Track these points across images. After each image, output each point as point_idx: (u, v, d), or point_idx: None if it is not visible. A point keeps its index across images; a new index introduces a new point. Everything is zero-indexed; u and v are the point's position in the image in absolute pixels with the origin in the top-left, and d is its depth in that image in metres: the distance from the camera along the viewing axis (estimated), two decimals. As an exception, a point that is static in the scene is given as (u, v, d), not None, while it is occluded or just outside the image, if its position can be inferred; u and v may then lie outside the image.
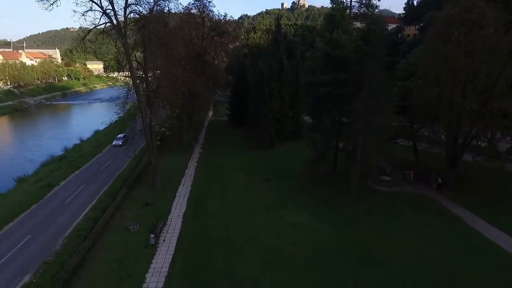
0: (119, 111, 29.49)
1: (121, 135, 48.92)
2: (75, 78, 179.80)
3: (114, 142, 48.03)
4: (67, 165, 37.55)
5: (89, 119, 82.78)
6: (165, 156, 41.96)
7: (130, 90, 29.87)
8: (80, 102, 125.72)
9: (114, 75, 67.28)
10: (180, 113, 46.99)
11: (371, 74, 24.99)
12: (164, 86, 33.36)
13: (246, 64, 61.54)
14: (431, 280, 17.87)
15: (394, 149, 35.11)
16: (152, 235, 21.47)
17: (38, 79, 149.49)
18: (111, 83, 52.43)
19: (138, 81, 29.92)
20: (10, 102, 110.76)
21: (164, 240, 22.12)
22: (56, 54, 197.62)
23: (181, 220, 25.09)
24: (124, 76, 43.87)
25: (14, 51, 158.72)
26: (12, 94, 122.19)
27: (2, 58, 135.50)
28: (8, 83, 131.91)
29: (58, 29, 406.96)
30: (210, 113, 79.04)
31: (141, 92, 29.55)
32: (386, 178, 32.90)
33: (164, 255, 20.41)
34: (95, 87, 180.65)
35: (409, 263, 19.45)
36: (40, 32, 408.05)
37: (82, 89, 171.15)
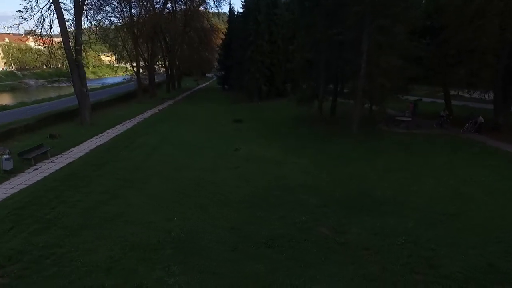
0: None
1: None
2: (84, 66, 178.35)
3: None
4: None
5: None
6: (124, 105, 34.19)
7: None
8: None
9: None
10: (151, 60, 39.12)
11: None
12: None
13: (242, 18, 52.78)
14: (486, 232, 8.54)
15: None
16: (6, 156, 13.20)
17: (46, 64, 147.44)
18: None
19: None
20: (9, 82, 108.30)
21: (36, 169, 13.81)
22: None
23: (87, 151, 16.72)
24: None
25: (22, 35, 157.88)
26: (14, 76, 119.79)
27: (7, 40, 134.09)
28: (12, 65, 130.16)
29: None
30: (205, 85, 71.55)
31: None
32: (405, 118, 23.32)
33: (14, 185, 12.07)
34: (104, 75, 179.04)
35: (440, 207, 10.11)
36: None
37: (91, 76, 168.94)
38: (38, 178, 12.77)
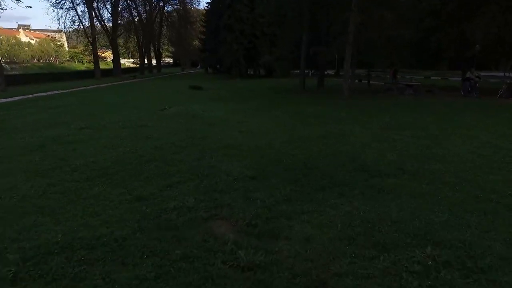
0: None
1: None
2: (78, 61, 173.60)
3: None
4: None
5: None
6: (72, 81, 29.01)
7: None
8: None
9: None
10: (114, 31, 33.71)
11: None
12: None
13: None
14: None
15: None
16: None
17: (37, 59, 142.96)
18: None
19: None
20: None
21: None
22: (62, 37, 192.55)
23: None
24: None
25: (14, 29, 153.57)
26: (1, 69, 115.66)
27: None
28: (1, 58, 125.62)
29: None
30: (190, 71, 66.46)
31: None
32: (412, 82, 17.93)
33: None
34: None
35: (499, 179, 4.65)
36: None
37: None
38: None
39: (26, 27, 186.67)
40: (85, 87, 22.43)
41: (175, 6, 45.49)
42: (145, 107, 12.08)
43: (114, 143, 6.72)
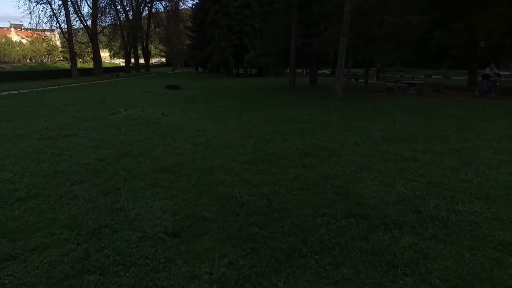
0: None
1: None
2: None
3: None
4: None
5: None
6: (56, 80, 26.80)
7: None
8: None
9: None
10: (94, 23, 31.41)
11: None
12: None
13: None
14: None
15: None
16: None
17: (29, 58, 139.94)
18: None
19: None
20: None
21: None
22: (55, 37, 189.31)
23: None
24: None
25: (5, 28, 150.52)
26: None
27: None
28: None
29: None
30: (182, 71, 64.39)
31: None
32: (415, 81, 16.01)
33: None
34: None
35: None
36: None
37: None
38: None
39: (18, 27, 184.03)
40: (53, 87, 20.27)
41: (163, 2, 43.43)
42: (95, 110, 10.02)
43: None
